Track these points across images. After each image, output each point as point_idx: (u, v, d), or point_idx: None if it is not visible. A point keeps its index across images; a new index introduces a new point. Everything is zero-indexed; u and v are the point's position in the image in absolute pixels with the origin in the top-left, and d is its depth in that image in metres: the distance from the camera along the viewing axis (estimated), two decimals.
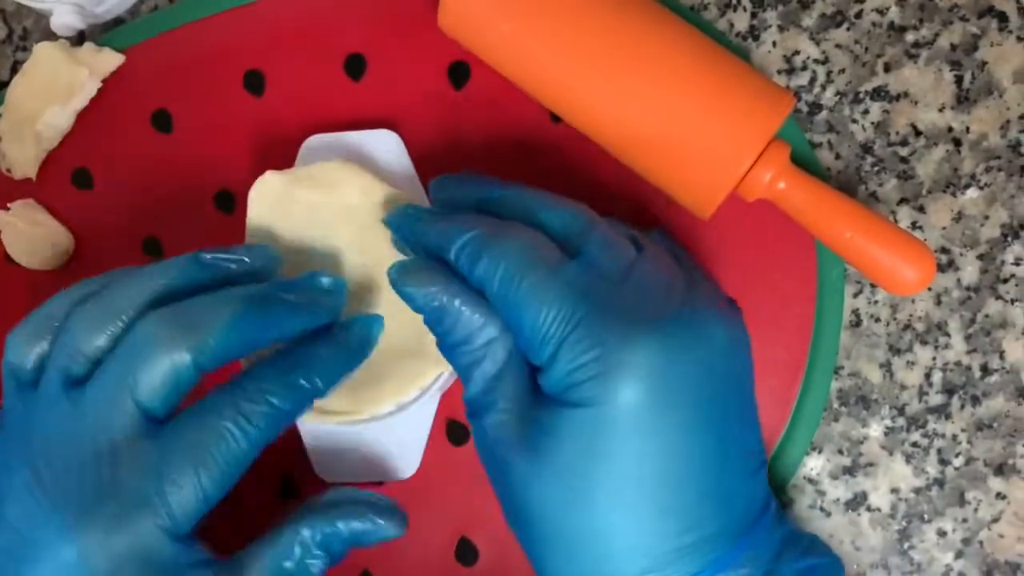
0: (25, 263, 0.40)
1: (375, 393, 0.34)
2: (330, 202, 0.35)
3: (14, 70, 0.43)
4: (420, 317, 0.32)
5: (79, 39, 0.41)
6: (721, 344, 0.28)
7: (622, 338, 0.27)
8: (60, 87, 0.40)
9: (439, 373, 0.34)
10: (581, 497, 0.27)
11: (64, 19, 0.40)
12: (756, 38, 0.38)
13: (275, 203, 0.35)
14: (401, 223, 0.33)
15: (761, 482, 0.30)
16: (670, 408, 0.27)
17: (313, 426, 0.36)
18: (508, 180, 0.33)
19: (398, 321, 0.34)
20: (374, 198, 0.34)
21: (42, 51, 0.40)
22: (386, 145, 0.37)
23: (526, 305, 0.28)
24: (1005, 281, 0.36)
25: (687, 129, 0.32)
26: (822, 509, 0.36)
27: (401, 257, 0.34)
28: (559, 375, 0.27)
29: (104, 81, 0.40)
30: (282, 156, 0.39)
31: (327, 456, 0.37)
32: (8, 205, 0.40)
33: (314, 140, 0.37)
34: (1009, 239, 0.36)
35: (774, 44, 0.37)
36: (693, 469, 0.27)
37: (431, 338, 0.33)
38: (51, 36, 0.42)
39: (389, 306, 0.34)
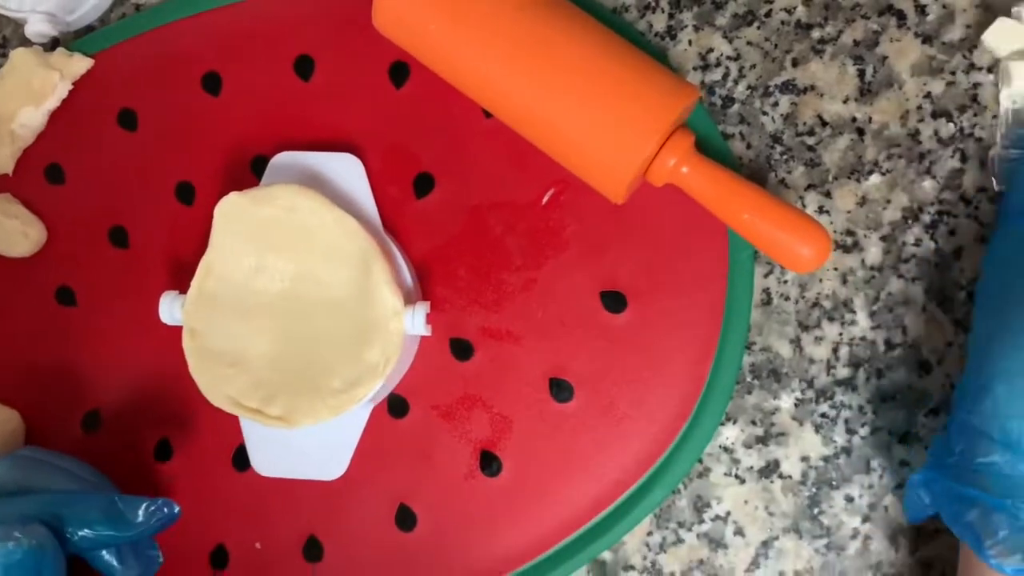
0: (1, 252, 0.43)
1: (313, 406, 0.37)
2: (286, 220, 0.38)
3: None
4: (357, 333, 0.36)
5: (52, 45, 0.45)
6: None
7: None
8: (34, 89, 0.43)
9: (374, 388, 0.37)
10: None
11: (37, 27, 0.43)
12: (673, 37, 0.40)
13: (237, 219, 0.38)
14: None
15: None
16: None
17: (253, 423, 0.39)
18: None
19: (336, 336, 0.37)
20: (325, 219, 0.37)
21: (17, 56, 0.43)
22: (346, 167, 0.40)
23: None
24: (906, 261, 0.38)
25: (597, 120, 0.35)
26: (737, 476, 0.39)
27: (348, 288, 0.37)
28: None
29: (75, 83, 0.44)
30: (237, 152, 0.42)
31: (263, 452, 0.40)
32: None
33: (281, 157, 0.40)
34: (909, 222, 0.38)
35: (690, 43, 0.40)
36: None
37: (369, 352, 0.36)
38: (27, 43, 0.45)
39: (329, 319, 0.37)
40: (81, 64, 0.43)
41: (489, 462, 0.39)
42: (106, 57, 0.44)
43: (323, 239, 0.38)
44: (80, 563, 0.37)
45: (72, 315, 0.43)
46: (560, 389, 0.39)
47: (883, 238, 0.38)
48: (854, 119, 0.39)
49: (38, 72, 0.43)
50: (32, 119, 0.43)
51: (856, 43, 0.39)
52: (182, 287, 0.42)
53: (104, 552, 0.37)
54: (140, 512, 0.35)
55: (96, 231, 0.43)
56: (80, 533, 0.35)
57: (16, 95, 0.43)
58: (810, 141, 0.39)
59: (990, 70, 0.38)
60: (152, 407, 0.42)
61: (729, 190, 0.35)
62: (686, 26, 0.40)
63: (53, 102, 0.43)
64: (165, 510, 0.36)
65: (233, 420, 0.40)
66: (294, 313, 0.38)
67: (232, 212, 0.38)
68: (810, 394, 0.38)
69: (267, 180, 0.40)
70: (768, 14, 0.39)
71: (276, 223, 0.38)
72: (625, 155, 0.35)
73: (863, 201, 0.38)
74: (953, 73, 0.38)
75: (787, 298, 0.39)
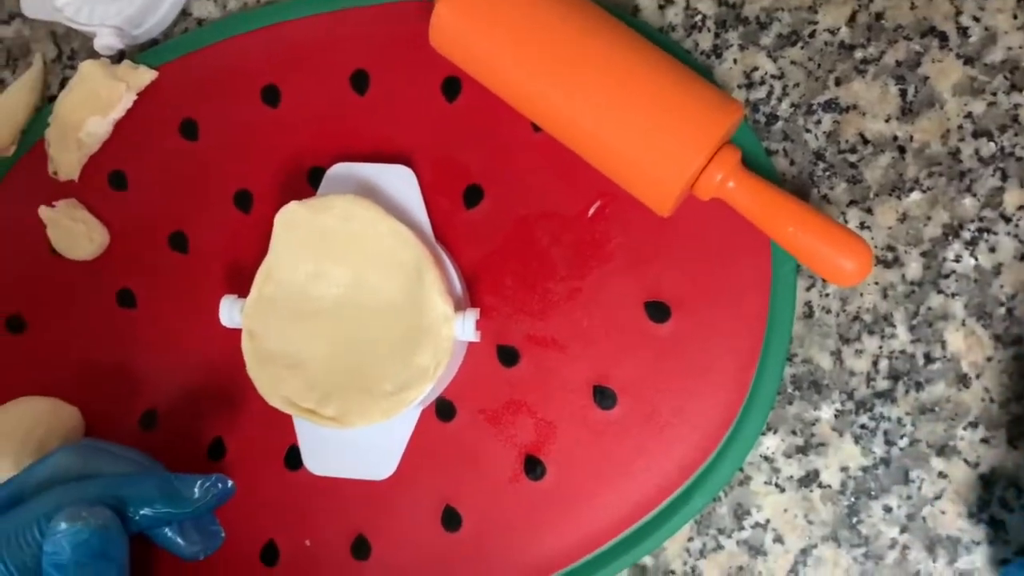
0: (67, 254, 0.45)
1: (366, 407, 0.38)
2: (342, 229, 0.39)
3: (62, 85, 0.48)
4: (409, 338, 0.37)
5: (119, 58, 0.47)
6: None
7: None
8: (101, 100, 0.45)
9: (424, 391, 0.38)
10: None
11: (106, 40, 0.45)
12: (719, 56, 0.41)
13: (296, 227, 0.39)
14: None
15: None
16: None
17: (306, 423, 0.41)
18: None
19: (389, 340, 0.38)
20: (379, 228, 0.39)
21: (86, 68, 0.45)
22: (400, 178, 0.41)
23: None
24: (946, 277, 0.39)
25: (645, 135, 0.36)
26: (777, 485, 0.40)
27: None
28: None
29: (139, 94, 0.45)
30: (294, 162, 0.44)
31: (315, 452, 0.41)
32: (54, 203, 0.45)
33: (337, 168, 0.42)
34: (950, 238, 0.39)
35: (735, 61, 0.41)
36: None
37: (420, 356, 0.37)
38: (95, 56, 0.47)
39: (382, 324, 0.39)
40: (146, 76, 0.45)
41: (533, 466, 0.40)
42: (169, 70, 0.46)
43: (378, 247, 0.39)
44: (143, 541, 0.38)
45: (132, 317, 0.45)
46: (604, 396, 0.40)
47: (923, 254, 0.39)
48: (895, 137, 0.40)
49: (105, 83, 0.45)
50: (98, 128, 0.45)
51: (898, 63, 0.40)
52: (239, 291, 0.43)
53: (167, 529, 0.38)
54: (196, 488, 0.37)
55: (157, 236, 0.45)
56: (141, 512, 0.36)
57: (84, 105, 0.45)
58: (852, 158, 0.40)
59: None
60: (206, 407, 0.44)
61: (774, 204, 0.36)
62: (731, 45, 0.41)
63: (118, 112, 0.45)
64: (219, 485, 0.37)
65: (285, 420, 0.42)
66: (349, 318, 0.39)
67: (291, 220, 0.39)
68: (850, 405, 0.39)
69: (323, 190, 0.42)
70: (812, 34, 0.41)
71: (333, 231, 0.39)
72: (673, 169, 0.36)
73: (904, 217, 0.39)
74: (995, 94, 0.39)
75: (828, 311, 0.40)
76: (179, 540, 0.39)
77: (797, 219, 0.36)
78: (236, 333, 0.41)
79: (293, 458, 0.42)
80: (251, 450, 0.43)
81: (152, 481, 0.37)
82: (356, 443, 0.41)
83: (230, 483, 0.37)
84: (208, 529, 0.40)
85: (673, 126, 0.36)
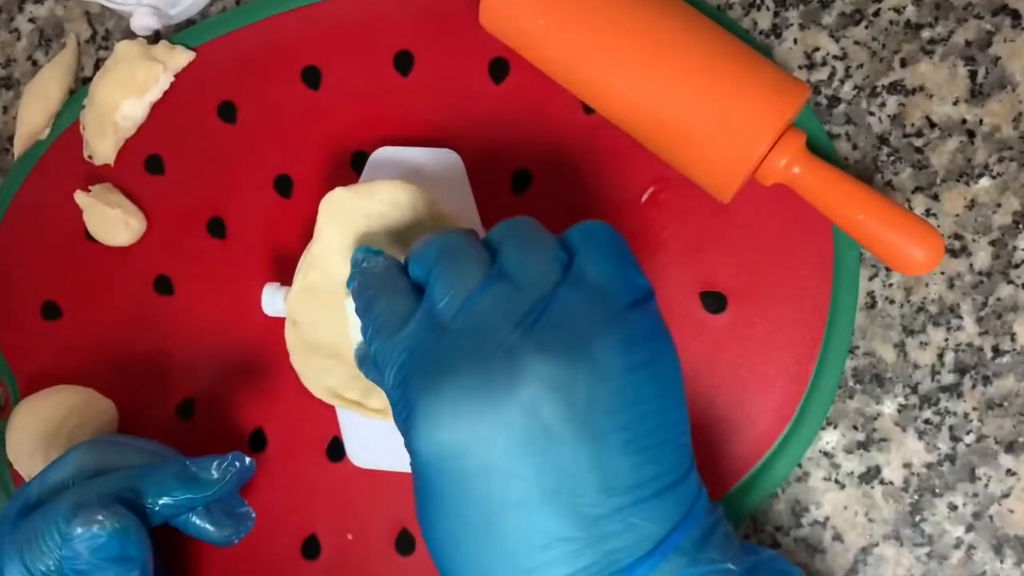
0: (103, 240, 0.44)
1: None
2: (388, 216, 0.38)
3: (97, 67, 0.47)
4: None
5: (155, 38, 0.45)
6: (539, 382, 0.25)
7: (426, 398, 0.26)
8: (137, 81, 0.44)
9: None
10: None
11: (142, 20, 0.44)
12: (778, 35, 0.40)
13: (341, 214, 0.38)
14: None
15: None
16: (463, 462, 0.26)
17: (350, 415, 0.39)
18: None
19: None
20: (426, 215, 0.37)
21: (122, 48, 0.44)
22: (447, 163, 0.40)
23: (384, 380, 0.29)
24: (1016, 266, 0.37)
25: (708, 117, 0.35)
26: (836, 481, 0.38)
27: None
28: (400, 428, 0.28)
29: (176, 76, 0.44)
30: (336, 146, 0.43)
31: (360, 445, 0.40)
32: (90, 188, 0.44)
33: (381, 153, 0.40)
34: (1020, 226, 0.37)
35: (795, 41, 0.40)
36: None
37: None
38: (130, 36, 0.46)
39: None
40: (183, 57, 0.44)
41: None
42: (207, 50, 0.44)
43: (424, 234, 0.38)
44: (169, 533, 0.37)
45: (170, 304, 0.44)
46: None
47: (992, 243, 0.37)
48: (964, 121, 0.38)
49: (142, 64, 0.43)
50: (134, 110, 0.44)
51: (968, 43, 0.38)
52: (278, 278, 0.42)
53: (194, 517, 0.37)
54: (213, 470, 0.36)
55: (195, 222, 0.44)
56: (160, 502, 0.36)
57: (120, 87, 0.44)
58: (918, 143, 0.38)
59: None
60: (245, 397, 0.43)
61: (842, 191, 0.35)
62: (791, 24, 0.40)
63: (155, 94, 0.44)
64: (237, 464, 0.36)
65: (327, 411, 0.41)
66: None
67: (336, 206, 0.38)
68: (914, 400, 0.38)
69: (367, 175, 0.40)
70: (876, 13, 0.39)
71: (379, 218, 0.38)
72: (738, 153, 0.34)
73: (972, 204, 0.38)
74: None
75: (892, 302, 0.38)
76: (208, 526, 0.38)
77: (866, 206, 0.34)
78: (276, 322, 0.40)
79: (335, 449, 0.41)
80: (292, 441, 0.42)
81: (168, 469, 0.36)
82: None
83: (248, 460, 0.36)
84: (236, 512, 0.39)
85: (738, 108, 0.34)
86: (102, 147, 0.44)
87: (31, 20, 0.48)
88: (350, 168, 0.42)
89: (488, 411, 0.25)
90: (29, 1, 0.48)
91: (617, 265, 0.29)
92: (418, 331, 0.28)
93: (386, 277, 0.31)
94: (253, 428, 0.42)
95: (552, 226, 0.40)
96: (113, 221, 0.43)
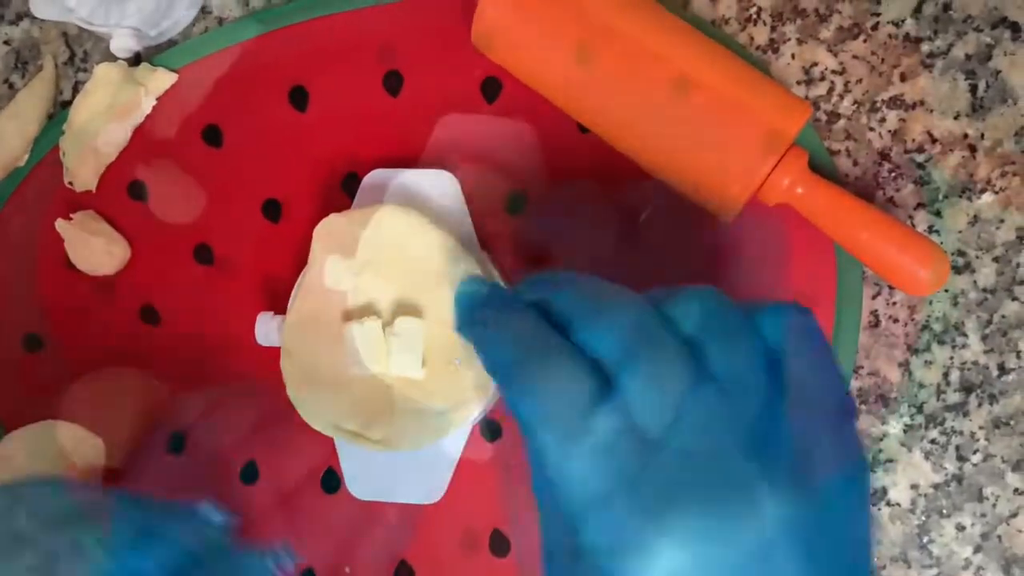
0: (86, 270, 0.43)
1: (415, 428, 0.36)
2: (384, 241, 0.37)
3: (75, 90, 0.46)
4: (457, 354, 0.35)
5: (135, 60, 0.44)
6: (776, 526, 0.23)
7: (645, 528, 0.23)
8: (118, 105, 0.42)
9: (477, 409, 0.36)
10: None
11: (122, 42, 0.42)
12: (776, 51, 0.39)
13: (336, 240, 0.37)
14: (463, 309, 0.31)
15: None
16: None
17: (349, 445, 0.38)
18: (579, 273, 0.29)
19: (436, 357, 0.36)
20: (424, 240, 0.36)
21: (101, 71, 0.42)
22: (442, 185, 0.39)
23: (554, 481, 0.24)
24: (1021, 283, 0.37)
25: (709, 138, 0.34)
26: None
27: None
28: (585, 546, 0.24)
29: (159, 99, 0.43)
30: (326, 169, 0.41)
31: (359, 476, 0.39)
32: (71, 215, 0.43)
33: (374, 175, 0.39)
34: None
35: (793, 56, 0.39)
36: None
37: (469, 373, 0.35)
38: (110, 58, 0.44)
39: (429, 341, 0.36)
40: (166, 79, 0.43)
41: None
42: (190, 72, 0.43)
43: (423, 259, 0.37)
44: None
45: (156, 334, 0.43)
46: None
47: (996, 259, 0.37)
48: (965, 135, 0.37)
49: (123, 87, 0.42)
50: (116, 135, 0.43)
51: (968, 57, 0.37)
52: (269, 306, 0.41)
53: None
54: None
55: (181, 249, 0.43)
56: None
57: (100, 111, 0.42)
58: (919, 158, 0.38)
59: None
60: (238, 429, 0.41)
61: (846, 209, 0.34)
62: (789, 39, 0.39)
63: (137, 118, 0.43)
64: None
65: (322, 442, 0.40)
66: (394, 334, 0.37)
67: (331, 233, 0.37)
68: (919, 419, 0.37)
69: (360, 198, 0.39)
70: (875, 27, 0.38)
71: (375, 244, 0.37)
72: (741, 174, 0.34)
73: (975, 220, 0.37)
74: None
75: (896, 320, 0.38)
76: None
77: (870, 225, 0.34)
78: (268, 351, 0.38)
79: (330, 481, 0.40)
80: (286, 473, 0.41)
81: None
82: (403, 466, 0.38)
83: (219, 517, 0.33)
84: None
85: (740, 128, 0.33)
86: (83, 173, 0.43)
87: (6, 42, 0.47)
88: (341, 191, 0.41)
89: (722, 552, 0.22)
90: (3, 22, 0.47)
91: (833, 375, 0.26)
92: (622, 446, 0.24)
93: (536, 335, 0.26)
94: (246, 461, 0.41)
95: (549, 248, 0.39)
96: (96, 250, 0.42)
